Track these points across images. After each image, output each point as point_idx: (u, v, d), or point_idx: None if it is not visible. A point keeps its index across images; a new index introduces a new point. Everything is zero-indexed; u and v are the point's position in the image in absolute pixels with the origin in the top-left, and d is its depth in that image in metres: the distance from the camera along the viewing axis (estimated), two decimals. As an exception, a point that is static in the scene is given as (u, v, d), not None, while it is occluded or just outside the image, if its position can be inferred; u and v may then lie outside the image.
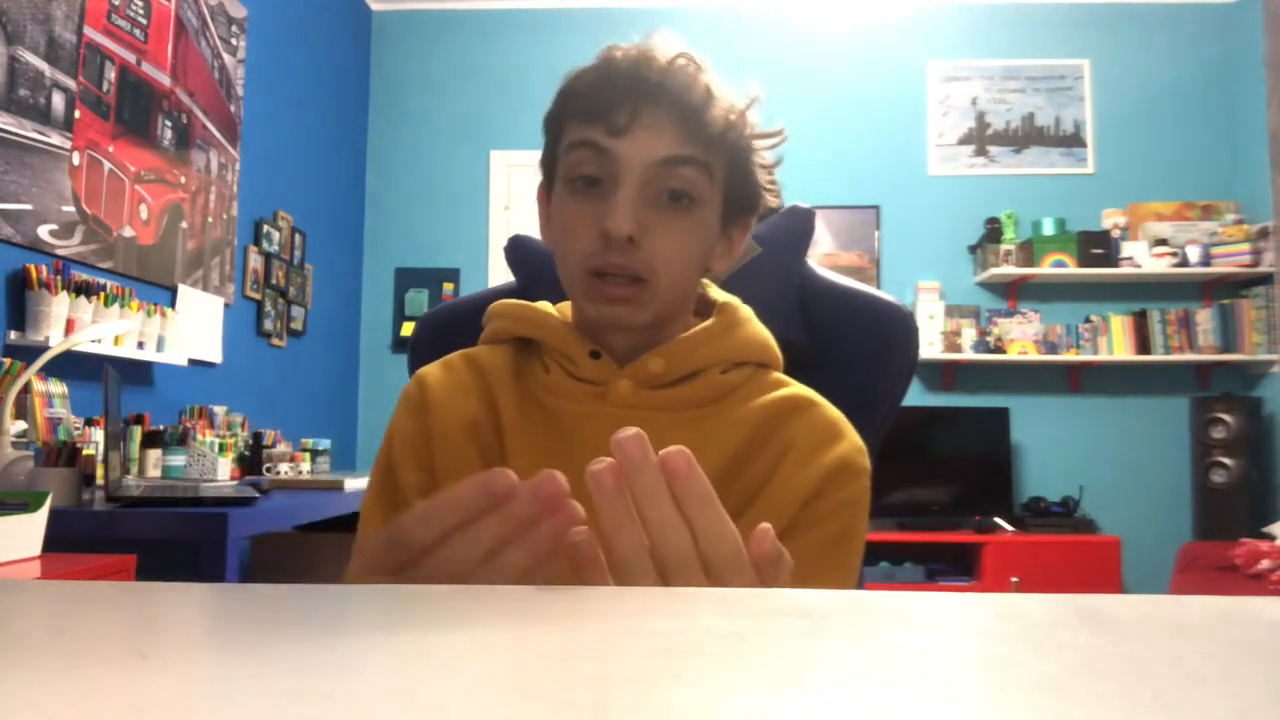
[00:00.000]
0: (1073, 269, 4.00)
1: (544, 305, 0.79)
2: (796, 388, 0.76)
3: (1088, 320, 4.10)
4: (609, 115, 0.68)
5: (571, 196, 0.71)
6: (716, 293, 0.81)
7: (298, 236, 3.70)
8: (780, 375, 0.78)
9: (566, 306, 0.80)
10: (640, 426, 0.70)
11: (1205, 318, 4.01)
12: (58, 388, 2.13)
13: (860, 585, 0.89)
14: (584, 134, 0.69)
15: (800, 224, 0.97)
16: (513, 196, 4.33)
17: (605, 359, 0.73)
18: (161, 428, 2.46)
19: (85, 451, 1.90)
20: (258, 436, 2.95)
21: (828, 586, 0.68)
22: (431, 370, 0.78)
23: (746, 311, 0.79)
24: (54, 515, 1.50)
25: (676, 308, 0.74)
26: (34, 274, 2.12)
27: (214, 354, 3.02)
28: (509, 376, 0.76)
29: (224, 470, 2.51)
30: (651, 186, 0.69)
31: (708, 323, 0.76)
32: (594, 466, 0.40)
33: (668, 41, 0.71)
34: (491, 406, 0.75)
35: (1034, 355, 4.02)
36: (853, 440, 0.73)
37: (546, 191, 0.77)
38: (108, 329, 2.22)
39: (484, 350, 0.79)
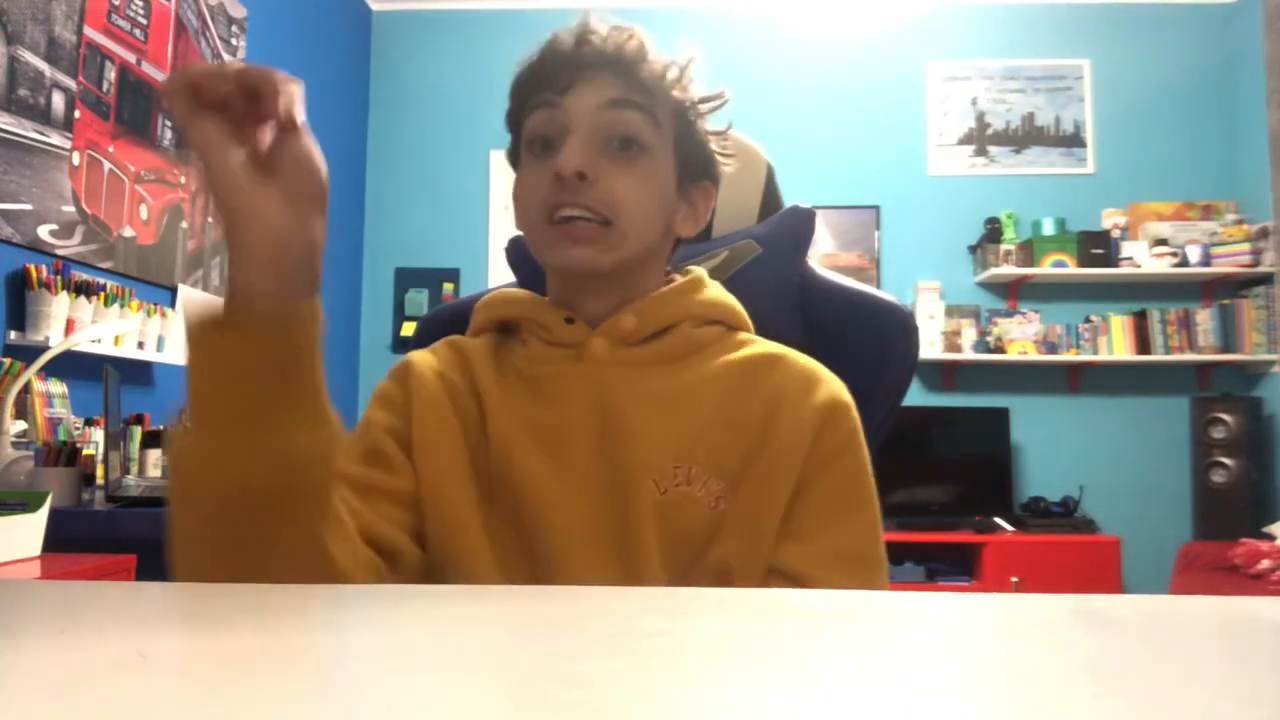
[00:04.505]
0: (1073, 269, 4.00)
1: (523, 291, 0.82)
2: (766, 344, 0.77)
3: (1088, 320, 4.09)
4: (556, 78, 0.73)
5: (530, 158, 0.75)
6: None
7: (298, 236, 3.69)
8: (748, 335, 0.79)
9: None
10: (618, 381, 0.74)
11: (1205, 318, 4.01)
12: (58, 388, 2.13)
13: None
14: (537, 99, 0.74)
15: (800, 224, 0.97)
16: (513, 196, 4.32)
17: (579, 323, 0.76)
18: (161, 428, 2.45)
19: (85, 451, 1.90)
20: (258, 436, 2.95)
21: (859, 528, 0.72)
22: (418, 352, 0.81)
23: (712, 280, 0.82)
24: (54, 515, 1.50)
25: (642, 258, 0.75)
26: (34, 274, 2.12)
27: (214, 354, 3.01)
28: (488, 355, 0.78)
29: (224, 470, 2.50)
30: (600, 135, 0.72)
31: (676, 282, 0.79)
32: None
33: (604, 18, 0.77)
34: (471, 379, 0.77)
35: (1034, 355, 4.02)
36: (833, 379, 0.75)
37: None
38: (108, 329, 2.22)
39: (467, 338, 0.82)
